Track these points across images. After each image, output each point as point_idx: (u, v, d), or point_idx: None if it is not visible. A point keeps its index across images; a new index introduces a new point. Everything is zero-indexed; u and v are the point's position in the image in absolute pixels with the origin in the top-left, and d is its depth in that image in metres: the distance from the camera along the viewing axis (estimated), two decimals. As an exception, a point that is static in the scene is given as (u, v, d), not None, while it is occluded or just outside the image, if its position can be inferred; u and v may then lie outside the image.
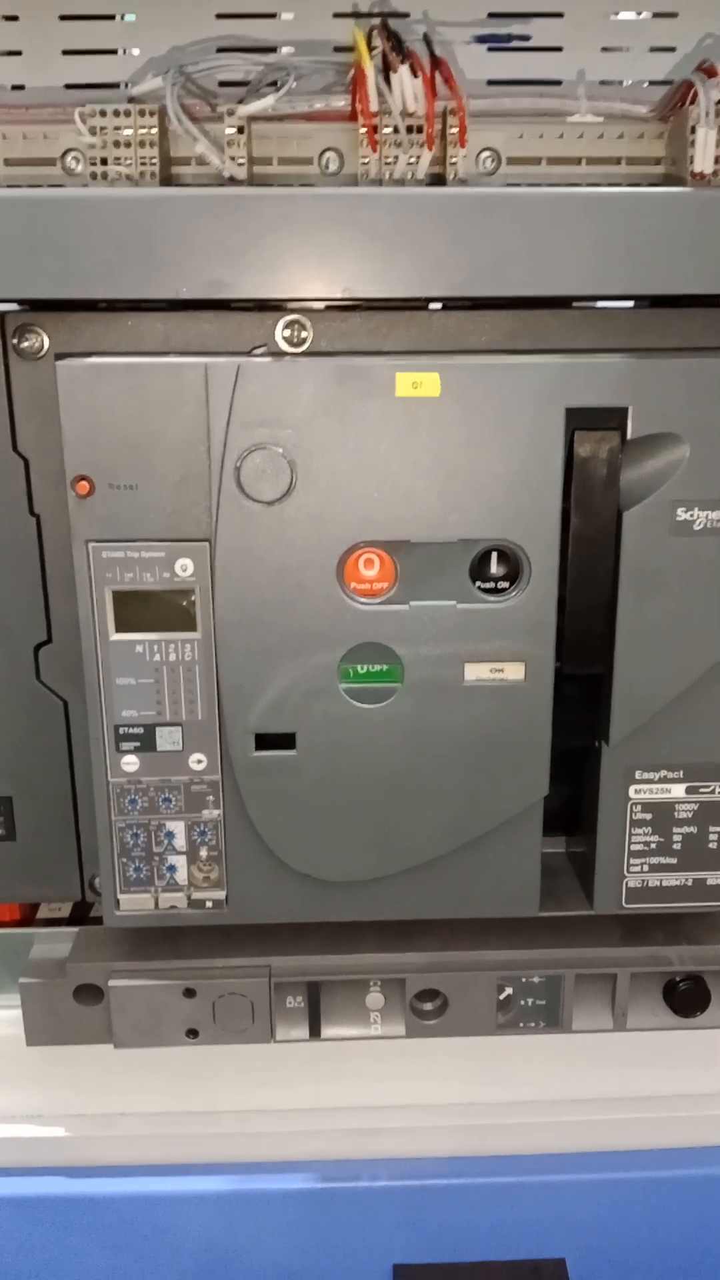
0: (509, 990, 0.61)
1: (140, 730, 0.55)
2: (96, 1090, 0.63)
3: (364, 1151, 0.64)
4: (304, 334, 0.54)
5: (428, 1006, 0.61)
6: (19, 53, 0.70)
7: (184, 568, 0.52)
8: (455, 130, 0.56)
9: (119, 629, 0.53)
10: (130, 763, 0.55)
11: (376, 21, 0.62)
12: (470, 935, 0.61)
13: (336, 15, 0.69)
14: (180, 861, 0.57)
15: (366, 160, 0.56)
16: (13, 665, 0.58)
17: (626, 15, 0.72)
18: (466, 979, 0.60)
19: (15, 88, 0.70)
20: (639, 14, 0.71)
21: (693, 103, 0.56)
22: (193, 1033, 0.59)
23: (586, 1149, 0.65)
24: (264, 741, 0.55)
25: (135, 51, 0.70)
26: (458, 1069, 0.64)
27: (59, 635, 0.58)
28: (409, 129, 0.55)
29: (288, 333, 0.54)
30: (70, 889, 0.62)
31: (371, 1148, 0.64)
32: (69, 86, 0.70)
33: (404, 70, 0.54)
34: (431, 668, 0.54)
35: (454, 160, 0.56)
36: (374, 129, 0.55)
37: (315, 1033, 0.61)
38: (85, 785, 0.59)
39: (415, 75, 0.54)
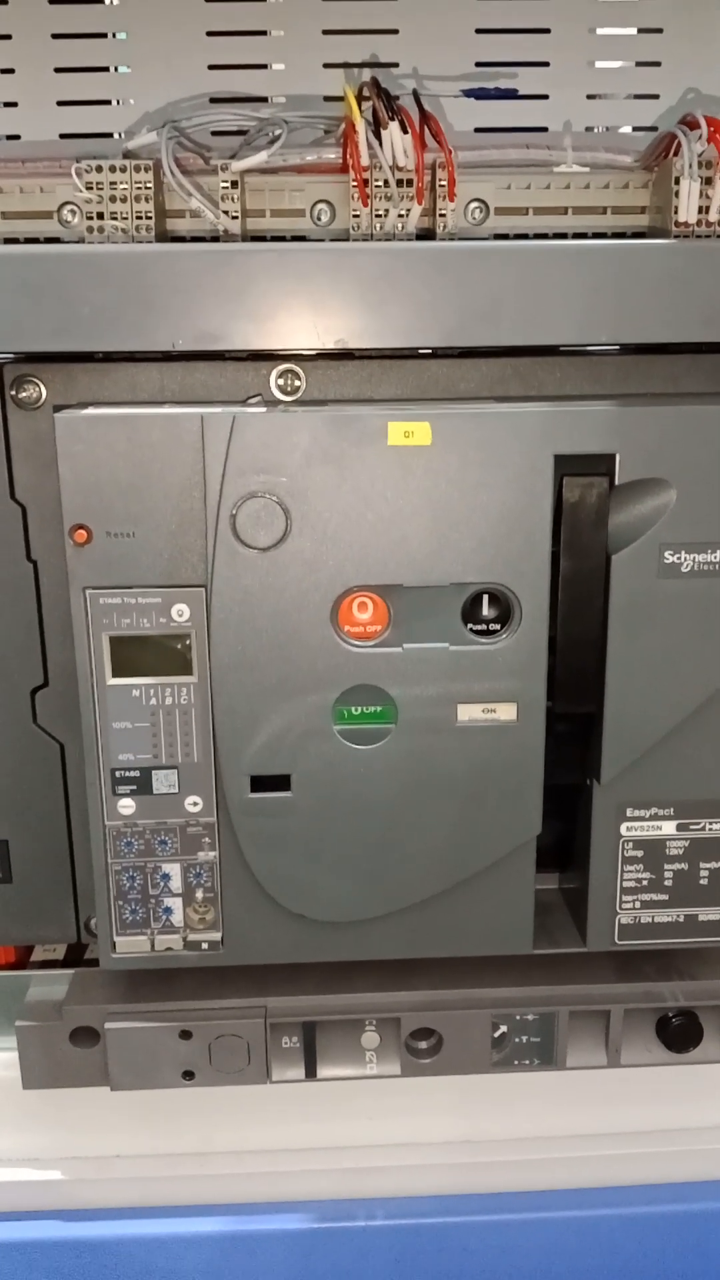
0: (503, 1028, 0.61)
1: (136, 773, 0.55)
2: (93, 1132, 0.63)
3: (360, 1191, 0.64)
4: (297, 383, 0.55)
5: (423, 1045, 0.61)
6: (15, 104, 0.71)
7: (180, 613, 0.53)
8: (444, 183, 0.57)
9: (116, 674, 0.54)
10: (126, 805, 0.56)
11: (368, 77, 0.64)
12: (464, 973, 0.61)
13: (327, 66, 0.71)
14: (176, 903, 0.57)
15: (358, 214, 0.57)
16: (10, 708, 0.59)
17: (610, 64, 0.73)
18: (461, 1017, 0.60)
19: (11, 137, 0.71)
20: (622, 63, 0.73)
21: (676, 154, 0.58)
22: (189, 1074, 0.60)
23: (583, 1185, 0.65)
24: (259, 783, 0.55)
25: (130, 101, 0.71)
26: (453, 1107, 0.64)
27: (55, 679, 0.59)
28: (399, 182, 0.56)
29: (281, 381, 0.55)
30: (66, 931, 0.63)
31: (368, 1187, 0.64)
32: (64, 136, 0.71)
33: (394, 126, 0.55)
34: (425, 709, 0.54)
35: (443, 212, 0.58)
36: (365, 183, 0.56)
37: (311, 1073, 0.61)
38: (81, 827, 0.60)
39: (405, 131, 0.56)
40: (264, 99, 0.72)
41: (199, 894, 0.57)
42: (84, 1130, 0.63)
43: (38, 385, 0.55)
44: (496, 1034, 0.61)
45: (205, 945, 0.58)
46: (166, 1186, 0.63)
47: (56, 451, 0.51)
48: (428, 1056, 0.61)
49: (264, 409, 0.52)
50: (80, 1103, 0.62)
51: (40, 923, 0.62)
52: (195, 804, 0.56)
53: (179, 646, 0.53)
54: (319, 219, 0.59)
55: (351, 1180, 0.64)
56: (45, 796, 0.60)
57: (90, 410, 0.52)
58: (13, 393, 0.55)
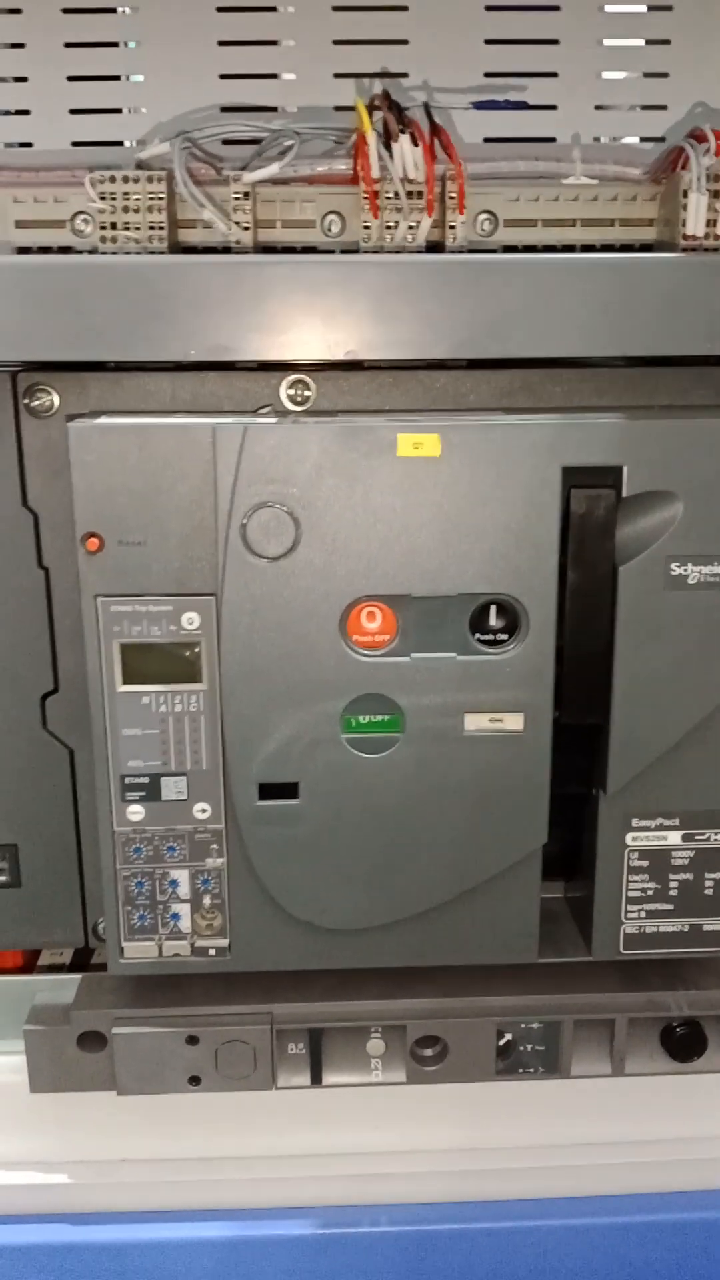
0: (508, 1036, 0.61)
1: (145, 780, 0.55)
2: (99, 1137, 0.63)
3: (366, 1197, 0.65)
4: (308, 393, 0.55)
5: (428, 1052, 0.61)
6: (28, 112, 0.72)
7: (190, 621, 0.53)
8: (454, 196, 0.58)
9: (126, 681, 0.54)
10: (135, 812, 0.56)
11: (378, 88, 0.64)
12: (470, 981, 0.62)
13: (337, 76, 0.71)
14: (184, 909, 0.57)
15: (368, 225, 0.57)
16: (20, 714, 0.59)
17: (618, 75, 0.74)
18: (466, 1025, 0.61)
19: (23, 144, 0.72)
20: (630, 74, 0.74)
21: (684, 167, 0.58)
22: (195, 1080, 0.60)
23: (586, 1193, 0.66)
24: (267, 791, 0.56)
25: (142, 110, 0.72)
26: (459, 1114, 0.65)
27: (65, 685, 0.59)
28: (409, 194, 0.57)
29: (292, 391, 0.55)
30: (74, 935, 0.63)
31: (373, 1193, 0.65)
32: (76, 144, 0.72)
33: (404, 139, 0.56)
34: (432, 718, 0.55)
35: (453, 224, 0.58)
36: (375, 195, 0.57)
37: (317, 1079, 0.61)
38: (90, 832, 0.60)
39: (415, 144, 0.56)
40: (274, 109, 0.72)
41: (207, 900, 0.57)
42: (90, 1134, 0.64)
43: (50, 394, 0.55)
44: (501, 1042, 0.61)
45: (213, 951, 0.58)
46: (172, 1191, 0.64)
47: (69, 460, 0.51)
48: (433, 1064, 0.61)
49: (275, 420, 0.52)
50: (86, 1107, 0.62)
51: (48, 927, 0.63)
52: (204, 811, 0.56)
53: (189, 654, 0.54)
54: (329, 230, 0.59)
55: (357, 1187, 0.65)
56: (54, 802, 0.60)
57: (103, 420, 0.52)
58: (26, 401, 0.55)
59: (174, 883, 0.57)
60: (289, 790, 0.55)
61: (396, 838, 0.56)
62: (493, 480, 0.52)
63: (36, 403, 0.55)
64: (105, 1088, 0.60)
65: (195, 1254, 0.64)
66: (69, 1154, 0.63)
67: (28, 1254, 0.62)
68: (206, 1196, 0.64)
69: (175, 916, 0.57)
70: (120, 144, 0.73)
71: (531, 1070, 0.62)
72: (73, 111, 0.72)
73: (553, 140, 0.73)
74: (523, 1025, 0.61)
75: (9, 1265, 0.62)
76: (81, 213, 0.59)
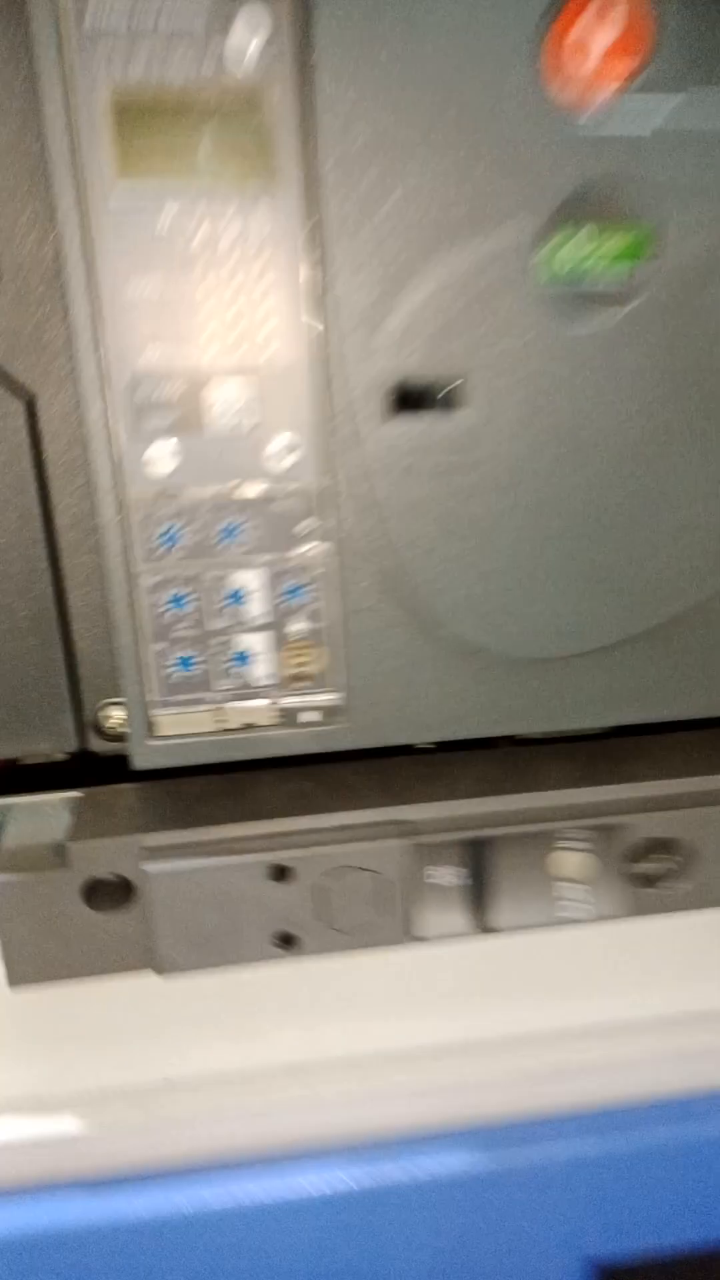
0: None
1: (178, 390, 0.30)
2: (125, 1048, 0.39)
3: (544, 1106, 0.42)
4: None
5: (656, 868, 0.38)
6: None
7: (247, 44, 0.27)
8: None
9: (124, 172, 0.28)
10: (164, 454, 0.30)
11: None
12: (714, 757, 0.38)
13: None
14: (257, 643, 0.32)
15: None
16: None
17: None
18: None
19: None
20: None
21: None
22: (286, 940, 0.35)
23: None
24: (407, 400, 0.30)
25: None
26: (690, 974, 0.42)
27: (10, 269, 0.33)
28: None
29: None
30: (62, 733, 0.37)
31: (555, 1098, 0.42)
32: None
33: None
34: (706, 233, 0.30)
35: None
36: None
37: (481, 923, 0.37)
38: (73, 550, 0.35)
39: None
40: None
41: (300, 623, 0.32)
42: (110, 1046, 0.39)
43: None
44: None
45: (313, 715, 0.33)
46: (248, 1126, 0.40)
47: None
48: (665, 885, 0.38)
49: None
50: (100, 1003, 0.37)
51: (17, 725, 0.37)
52: (291, 448, 0.30)
53: (249, 119, 0.28)
54: None
55: (532, 1090, 0.41)
56: (7, 501, 0.34)
57: None
58: None
59: (237, 594, 0.32)
60: (446, 395, 0.30)
61: (625, 474, 0.32)
62: None
63: None
64: (133, 967, 0.35)
65: (295, 1217, 0.40)
66: (78, 1082, 0.39)
67: (25, 1249, 0.38)
68: (305, 1128, 0.40)
69: (241, 658, 0.32)
70: None
71: None
72: None
73: None
74: None
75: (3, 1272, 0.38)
76: None
